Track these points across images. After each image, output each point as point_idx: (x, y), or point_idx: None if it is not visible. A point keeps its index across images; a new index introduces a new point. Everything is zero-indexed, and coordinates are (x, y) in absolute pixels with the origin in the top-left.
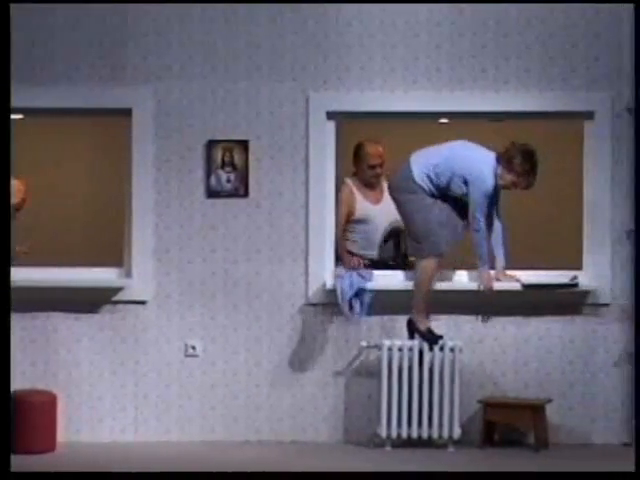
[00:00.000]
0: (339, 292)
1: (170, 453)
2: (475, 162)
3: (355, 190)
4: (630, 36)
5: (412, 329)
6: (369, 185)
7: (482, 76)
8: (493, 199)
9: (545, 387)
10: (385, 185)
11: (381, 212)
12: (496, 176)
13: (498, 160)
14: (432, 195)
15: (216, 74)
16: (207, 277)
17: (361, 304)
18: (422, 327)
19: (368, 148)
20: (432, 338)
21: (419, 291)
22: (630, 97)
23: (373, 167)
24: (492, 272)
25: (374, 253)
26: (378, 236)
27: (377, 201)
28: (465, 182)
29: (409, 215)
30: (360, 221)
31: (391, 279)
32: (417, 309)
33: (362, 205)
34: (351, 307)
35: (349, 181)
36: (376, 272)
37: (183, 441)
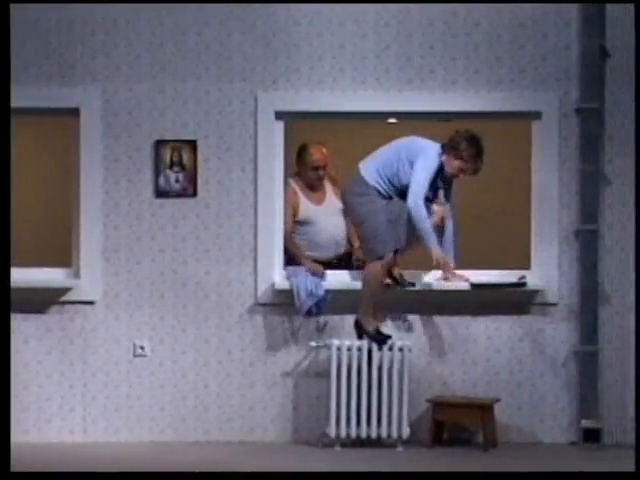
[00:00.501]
0: (295, 292)
1: (119, 454)
2: (421, 144)
3: (298, 191)
4: (577, 36)
5: (359, 330)
6: (312, 187)
7: (430, 76)
8: (434, 184)
9: (493, 386)
10: (327, 186)
11: (324, 213)
12: (442, 163)
13: (444, 148)
14: (387, 194)
15: (164, 74)
16: (156, 277)
17: (316, 304)
18: (369, 328)
19: (312, 149)
20: (380, 338)
21: (365, 292)
22: (578, 97)
23: (316, 169)
24: (444, 268)
25: (318, 254)
26: (322, 237)
27: (320, 202)
28: (412, 166)
29: (358, 218)
30: (303, 222)
31: (339, 278)
32: (363, 310)
33: (305, 206)
34: (309, 309)
35: (292, 182)
36: (327, 272)
37: (132, 442)
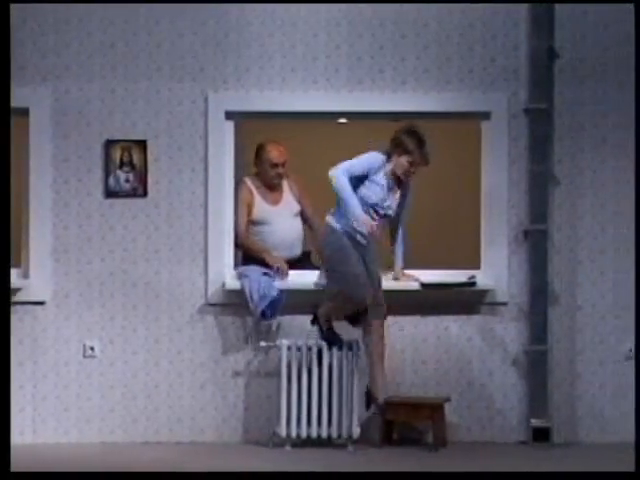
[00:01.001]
0: (247, 294)
1: (69, 454)
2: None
3: (254, 190)
4: (526, 37)
5: (317, 324)
6: (270, 186)
7: (380, 76)
8: (362, 180)
9: (443, 386)
10: (285, 187)
11: (280, 214)
12: (387, 175)
13: (388, 154)
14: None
15: (115, 74)
16: (106, 277)
17: (270, 305)
18: (324, 326)
19: (269, 147)
20: (332, 338)
21: (328, 301)
22: (527, 98)
23: (275, 166)
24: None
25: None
26: (275, 238)
27: (276, 202)
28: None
29: (332, 272)
30: (257, 222)
31: (289, 279)
32: (321, 312)
33: (260, 206)
34: (263, 312)
35: (248, 181)
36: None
37: (82, 442)
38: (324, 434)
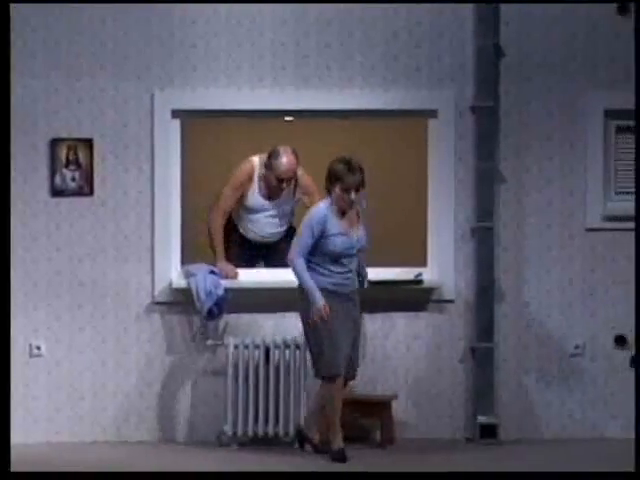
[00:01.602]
0: (194, 293)
1: (15, 455)
2: None
3: (255, 177)
4: (472, 35)
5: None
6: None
7: (327, 74)
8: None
9: (391, 383)
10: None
11: (271, 208)
12: (336, 216)
13: (328, 192)
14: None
15: (60, 72)
16: (52, 276)
17: (217, 304)
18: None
19: (283, 159)
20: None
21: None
22: (473, 95)
23: (281, 181)
24: None
25: (251, 235)
26: (258, 227)
27: (271, 198)
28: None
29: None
30: (246, 208)
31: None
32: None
33: (254, 197)
34: (210, 310)
35: (256, 161)
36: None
37: (28, 442)
38: (271, 432)
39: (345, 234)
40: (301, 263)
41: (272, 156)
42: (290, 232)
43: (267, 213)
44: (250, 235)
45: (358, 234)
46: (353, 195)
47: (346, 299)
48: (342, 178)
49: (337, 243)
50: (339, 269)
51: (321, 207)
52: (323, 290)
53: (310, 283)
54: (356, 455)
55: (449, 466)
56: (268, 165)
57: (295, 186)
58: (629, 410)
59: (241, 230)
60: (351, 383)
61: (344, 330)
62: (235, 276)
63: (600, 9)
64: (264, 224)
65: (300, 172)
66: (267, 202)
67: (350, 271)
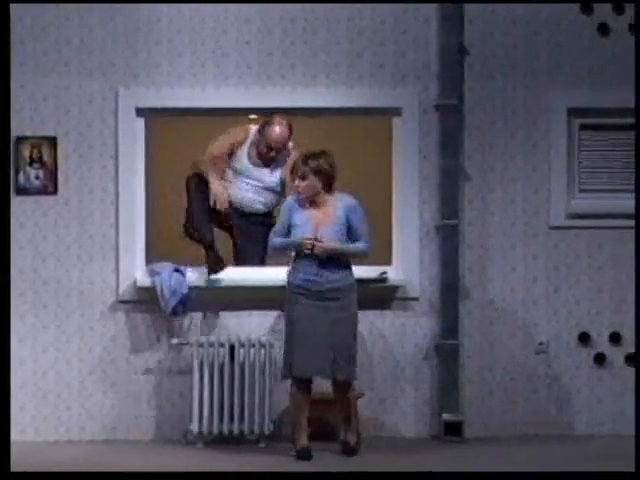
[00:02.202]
0: (158, 291)
1: None
2: None
3: (248, 141)
4: (436, 33)
5: None
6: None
7: (291, 72)
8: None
9: (356, 382)
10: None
11: (259, 175)
12: (295, 204)
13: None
14: None
15: (24, 69)
16: (16, 276)
17: (181, 302)
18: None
19: (275, 127)
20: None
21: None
22: (437, 94)
23: (270, 149)
24: None
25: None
26: (244, 194)
27: (260, 165)
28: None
29: None
30: (236, 172)
31: (198, 276)
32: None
33: (243, 161)
34: (174, 308)
35: (252, 129)
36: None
37: None
38: (236, 431)
39: (304, 226)
40: (277, 240)
41: (266, 123)
42: (267, 219)
43: (249, 180)
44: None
45: (327, 230)
46: (297, 181)
47: (321, 298)
48: (296, 166)
49: (297, 235)
50: (307, 263)
51: (288, 199)
52: (294, 285)
53: (289, 239)
54: (320, 454)
55: (414, 464)
56: (261, 131)
57: (285, 163)
58: (593, 406)
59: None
60: (354, 384)
61: (314, 330)
62: (225, 204)
63: (563, 8)
64: (244, 190)
65: (293, 153)
66: (252, 168)
67: (325, 268)
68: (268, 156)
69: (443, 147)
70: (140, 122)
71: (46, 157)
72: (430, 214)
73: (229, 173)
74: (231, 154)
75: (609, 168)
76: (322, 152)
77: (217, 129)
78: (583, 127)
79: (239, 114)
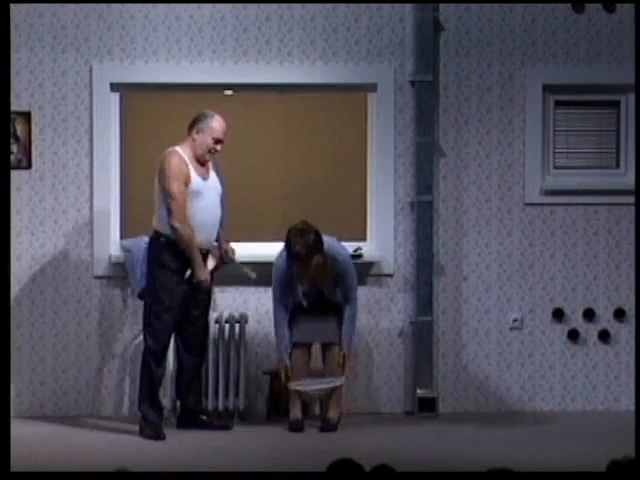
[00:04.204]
0: (129, 271)
1: None
2: None
3: (187, 161)
4: (412, 9)
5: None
6: (200, 160)
7: (266, 48)
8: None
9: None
10: (210, 163)
11: (210, 189)
12: (286, 268)
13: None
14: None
15: None
16: None
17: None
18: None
19: (217, 120)
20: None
21: None
22: (412, 70)
23: (217, 141)
24: None
25: (202, 237)
26: (207, 215)
27: (205, 177)
28: None
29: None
30: (192, 195)
31: None
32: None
33: (195, 179)
34: (143, 290)
35: (180, 150)
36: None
37: None
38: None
39: (302, 287)
40: (279, 316)
41: (201, 120)
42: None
43: (209, 195)
44: (199, 236)
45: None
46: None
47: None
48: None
49: (297, 293)
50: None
51: (279, 258)
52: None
53: (280, 341)
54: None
55: (390, 440)
56: (200, 129)
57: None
58: (566, 383)
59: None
60: (343, 354)
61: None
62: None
63: None
64: (211, 208)
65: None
66: (204, 182)
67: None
68: (213, 149)
69: (418, 123)
70: (115, 97)
71: (20, 132)
72: (405, 190)
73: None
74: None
75: (584, 145)
76: (306, 225)
77: (193, 104)
78: (558, 104)
79: (213, 89)
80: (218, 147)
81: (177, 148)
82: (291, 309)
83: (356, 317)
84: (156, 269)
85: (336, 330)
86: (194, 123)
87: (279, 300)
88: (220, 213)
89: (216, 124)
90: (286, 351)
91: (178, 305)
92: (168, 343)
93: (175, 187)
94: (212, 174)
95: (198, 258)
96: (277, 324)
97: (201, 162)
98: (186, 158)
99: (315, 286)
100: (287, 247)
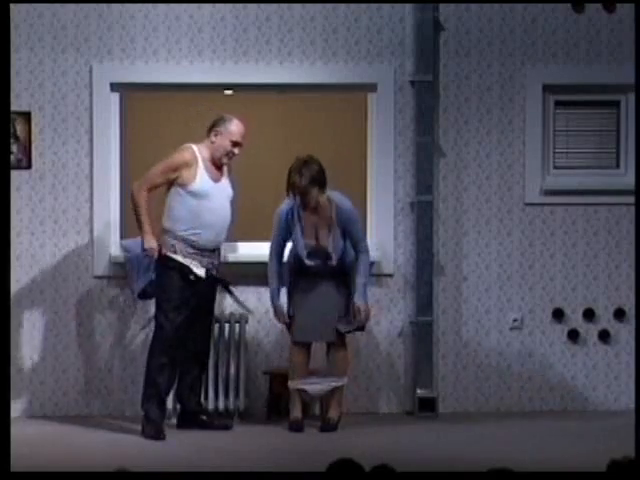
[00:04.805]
0: (128, 271)
1: None
2: None
3: (199, 159)
4: (412, 9)
5: None
6: (215, 162)
7: (266, 48)
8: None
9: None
10: (225, 168)
11: (220, 192)
12: (293, 211)
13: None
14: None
15: None
16: None
17: (151, 284)
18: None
19: (236, 123)
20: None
21: None
22: (412, 69)
23: (235, 144)
24: None
25: (199, 236)
26: (212, 216)
27: (217, 180)
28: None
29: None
30: (198, 195)
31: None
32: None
33: (203, 179)
34: (143, 290)
35: (195, 148)
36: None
37: None
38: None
39: (303, 238)
40: (273, 266)
41: (220, 123)
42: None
43: (219, 197)
44: (205, 236)
45: (328, 238)
46: (298, 198)
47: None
48: (290, 181)
49: (297, 246)
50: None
51: (282, 206)
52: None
53: (273, 287)
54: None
55: (390, 440)
56: (219, 132)
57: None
58: (566, 383)
59: (193, 238)
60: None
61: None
62: (154, 254)
63: None
64: (220, 209)
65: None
66: (215, 184)
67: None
68: (231, 152)
69: (418, 123)
70: (115, 97)
71: (20, 132)
72: (405, 190)
73: (194, 204)
74: (176, 178)
75: (584, 145)
76: (310, 158)
77: (193, 104)
78: (558, 104)
79: (213, 89)
80: (236, 150)
81: (193, 145)
82: (292, 268)
83: (370, 266)
84: (161, 268)
85: (337, 328)
86: (212, 126)
87: (275, 251)
88: (230, 216)
89: (234, 127)
90: (277, 295)
91: (185, 304)
92: (175, 341)
93: (161, 167)
94: (225, 179)
95: (146, 226)
96: (270, 272)
97: (217, 165)
98: (199, 157)
99: (317, 233)
100: (288, 177)
